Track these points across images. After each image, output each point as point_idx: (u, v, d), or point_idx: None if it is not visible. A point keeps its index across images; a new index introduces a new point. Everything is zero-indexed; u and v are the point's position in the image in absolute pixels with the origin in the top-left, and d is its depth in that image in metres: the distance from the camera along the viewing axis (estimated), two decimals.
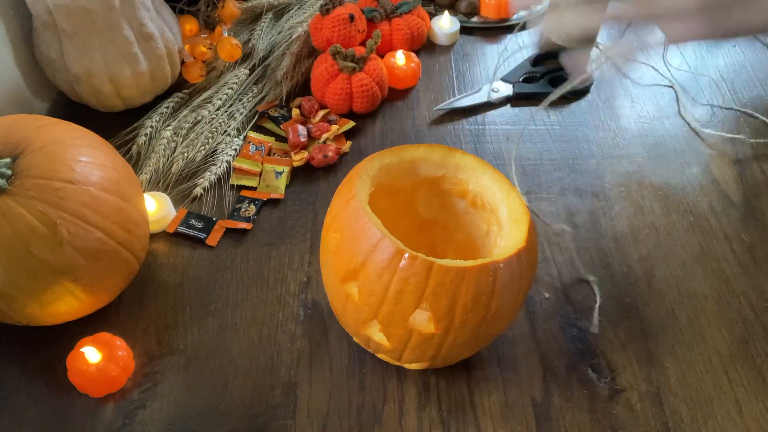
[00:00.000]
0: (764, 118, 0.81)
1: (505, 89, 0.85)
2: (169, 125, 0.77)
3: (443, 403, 0.57)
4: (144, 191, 0.69)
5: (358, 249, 0.49)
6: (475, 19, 0.95)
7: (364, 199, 0.51)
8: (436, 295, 0.47)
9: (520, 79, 0.86)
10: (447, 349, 0.51)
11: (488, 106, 0.84)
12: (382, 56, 0.86)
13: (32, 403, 0.56)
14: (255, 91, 0.83)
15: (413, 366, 0.55)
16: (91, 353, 0.55)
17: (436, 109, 0.83)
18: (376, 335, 0.52)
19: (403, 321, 0.49)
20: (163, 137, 0.75)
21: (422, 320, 0.49)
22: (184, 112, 0.79)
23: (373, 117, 0.82)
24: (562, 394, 0.57)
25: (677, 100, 0.84)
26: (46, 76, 0.77)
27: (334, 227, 0.52)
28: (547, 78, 0.86)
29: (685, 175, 0.75)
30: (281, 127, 0.79)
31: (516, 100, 0.84)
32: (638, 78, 0.88)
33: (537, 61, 0.89)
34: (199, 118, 0.78)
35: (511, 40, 0.94)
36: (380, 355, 0.56)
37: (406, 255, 0.47)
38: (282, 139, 0.79)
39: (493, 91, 0.84)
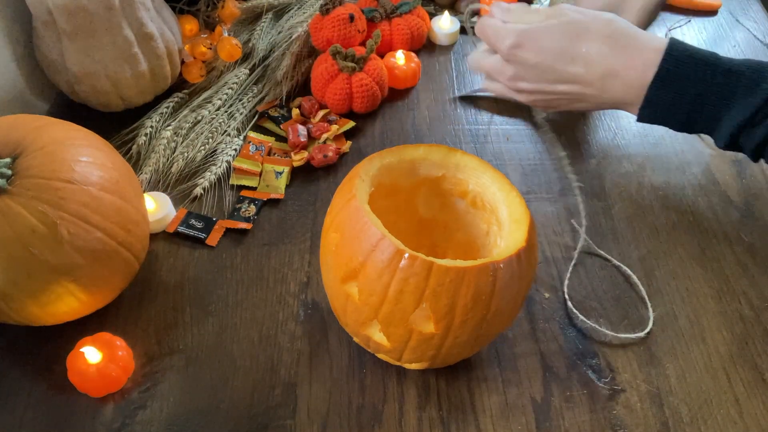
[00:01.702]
0: None
1: None
2: (169, 125, 0.77)
3: (443, 403, 0.57)
4: (144, 191, 0.69)
5: (358, 249, 0.49)
6: (475, 19, 0.95)
7: (364, 199, 0.51)
8: (436, 295, 0.47)
9: None
10: (447, 349, 0.51)
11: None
12: (382, 56, 0.86)
13: (32, 403, 0.56)
14: (255, 91, 0.83)
15: (413, 366, 0.55)
16: (91, 353, 0.55)
17: (459, 95, 0.84)
18: (376, 335, 0.52)
19: (403, 321, 0.49)
20: (163, 137, 0.75)
21: (422, 320, 0.49)
22: (184, 112, 0.79)
23: (373, 117, 0.82)
24: (562, 394, 0.57)
25: None
26: (46, 76, 0.77)
27: (334, 227, 0.52)
28: None
29: (685, 175, 0.75)
30: (281, 127, 0.79)
31: None
32: None
33: None
34: (199, 118, 0.78)
35: None
36: (380, 355, 0.56)
37: (406, 255, 0.47)
38: (282, 139, 0.79)
39: None
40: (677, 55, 0.48)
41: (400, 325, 0.49)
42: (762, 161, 0.57)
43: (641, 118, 0.52)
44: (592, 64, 0.51)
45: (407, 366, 0.56)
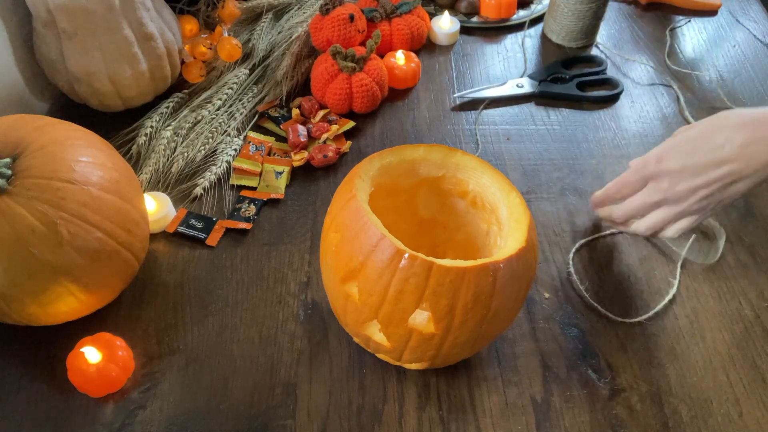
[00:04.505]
0: None
1: (530, 86, 0.85)
2: (169, 125, 0.77)
3: (443, 403, 0.57)
4: (144, 191, 0.69)
5: (358, 249, 0.49)
6: (475, 19, 0.95)
7: (364, 199, 0.51)
8: (436, 295, 0.47)
9: (548, 78, 0.86)
10: (447, 349, 0.51)
11: (511, 100, 0.84)
12: (382, 56, 0.86)
13: (32, 403, 0.56)
14: (255, 91, 0.83)
15: (413, 366, 0.55)
16: (91, 353, 0.55)
17: (458, 96, 0.84)
18: (376, 335, 0.52)
19: (403, 321, 0.49)
20: (163, 137, 0.75)
21: (422, 320, 0.49)
22: (184, 112, 0.79)
23: (373, 117, 0.82)
24: (562, 394, 0.57)
25: (677, 100, 0.84)
26: (46, 76, 0.77)
27: (334, 227, 0.52)
28: (576, 81, 0.85)
29: None
30: (281, 127, 0.79)
31: (539, 98, 0.85)
32: (638, 78, 0.88)
33: (568, 63, 0.89)
34: (199, 118, 0.78)
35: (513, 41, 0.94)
36: (380, 355, 0.56)
37: (406, 255, 0.47)
38: (282, 139, 0.79)
39: (517, 86, 0.85)
40: None
41: (400, 325, 0.49)
42: None
43: None
44: (731, 140, 0.55)
45: (407, 366, 0.56)
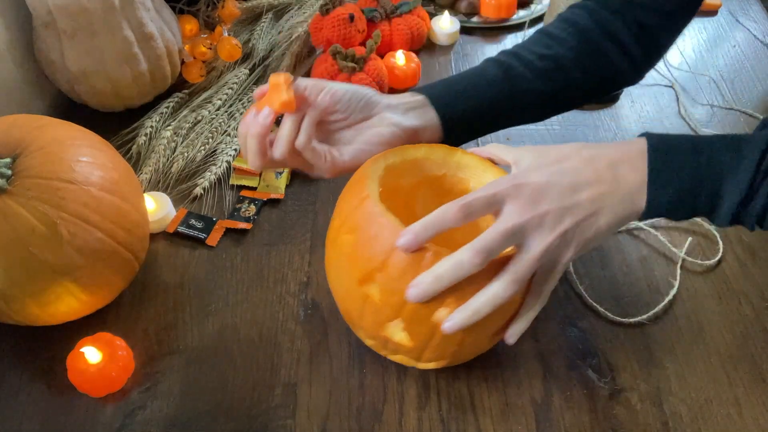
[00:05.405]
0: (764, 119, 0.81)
1: None
2: (169, 125, 0.77)
3: (443, 403, 0.57)
4: (144, 191, 0.69)
5: (379, 249, 0.48)
6: (475, 19, 0.95)
7: (378, 199, 0.51)
8: (461, 289, 0.47)
9: None
10: (468, 346, 0.51)
11: None
12: (382, 56, 0.86)
13: (32, 403, 0.56)
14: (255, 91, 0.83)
15: (431, 365, 0.54)
16: (91, 353, 0.55)
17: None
18: (397, 335, 0.51)
19: (428, 318, 0.48)
20: (163, 137, 0.75)
21: (447, 316, 0.49)
22: (184, 112, 0.79)
23: None
24: (562, 394, 0.57)
25: (677, 100, 0.84)
26: (46, 76, 0.77)
27: (346, 229, 0.51)
28: None
29: None
30: None
31: None
32: None
33: None
34: (199, 118, 0.78)
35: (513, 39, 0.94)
36: (397, 357, 0.55)
37: (430, 252, 0.47)
38: None
39: None
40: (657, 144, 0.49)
41: (424, 322, 0.49)
42: None
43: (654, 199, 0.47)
44: (593, 159, 0.48)
45: (424, 366, 0.55)
